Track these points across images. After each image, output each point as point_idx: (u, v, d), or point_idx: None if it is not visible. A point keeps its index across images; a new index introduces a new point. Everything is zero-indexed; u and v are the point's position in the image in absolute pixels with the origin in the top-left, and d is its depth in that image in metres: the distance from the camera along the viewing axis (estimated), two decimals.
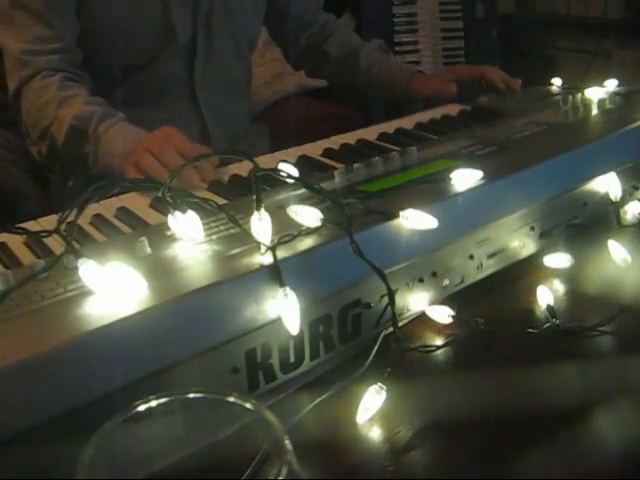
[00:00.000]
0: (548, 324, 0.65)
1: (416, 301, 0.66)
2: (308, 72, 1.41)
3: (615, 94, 0.98)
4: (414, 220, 0.61)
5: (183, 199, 0.59)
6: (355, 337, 0.62)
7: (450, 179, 0.69)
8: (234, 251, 0.56)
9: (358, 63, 1.27)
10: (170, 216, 0.58)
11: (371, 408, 0.54)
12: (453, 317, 0.65)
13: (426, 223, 0.61)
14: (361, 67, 1.26)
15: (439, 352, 0.63)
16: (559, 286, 0.73)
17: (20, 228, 0.59)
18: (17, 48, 0.99)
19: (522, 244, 0.75)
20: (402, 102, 1.24)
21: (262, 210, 0.56)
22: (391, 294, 0.58)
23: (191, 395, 0.38)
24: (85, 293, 0.50)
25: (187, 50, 1.12)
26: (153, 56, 1.09)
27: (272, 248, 0.54)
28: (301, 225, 0.58)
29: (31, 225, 0.69)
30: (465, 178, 0.69)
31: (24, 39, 0.99)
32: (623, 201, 0.83)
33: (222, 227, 0.60)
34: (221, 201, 0.71)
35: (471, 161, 0.74)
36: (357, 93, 1.37)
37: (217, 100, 1.19)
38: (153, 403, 0.38)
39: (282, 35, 1.34)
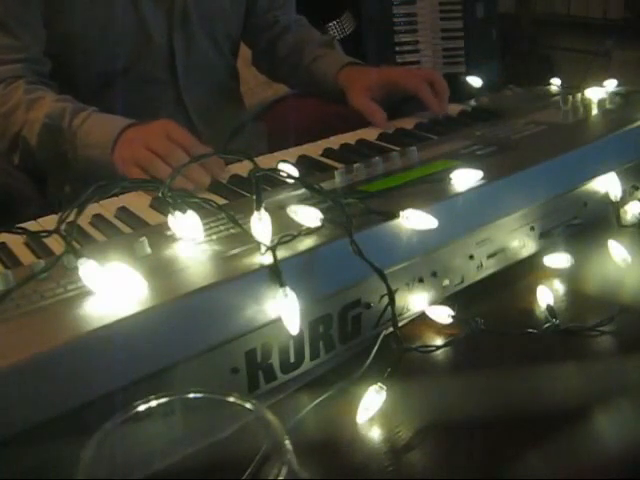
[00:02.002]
0: (548, 324, 0.65)
1: (416, 301, 0.66)
2: (267, 76, 1.36)
3: (615, 94, 0.98)
4: (414, 220, 0.61)
5: (183, 199, 0.59)
6: (355, 337, 0.62)
7: (450, 179, 0.69)
8: (234, 251, 0.56)
9: (302, 60, 1.22)
10: (170, 216, 0.58)
11: (371, 408, 0.54)
12: (453, 317, 0.65)
13: (426, 223, 0.61)
14: (304, 63, 1.21)
15: (439, 352, 0.63)
16: (559, 286, 0.73)
17: (20, 228, 0.59)
18: None
19: (522, 244, 0.75)
20: (334, 96, 1.15)
21: (262, 210, 0.56)
22: (391, 294, 0.58)
23: (191, 395, 0.38)
24: (85, 293, 0.50)
25: (166, 51, 1.11)
26: (133, 59, 1.08)
27: (272, 248, 0.54)
28: (301, 225, 0.58)
29: (31, 225, 0.68)
30: (465, 178, 0.69)
31: None
32: (623, 201, 0.83)
33: (222, 227, 0.60)
34: (221, 201, 0.71)
35: (471, 161, 0.74)
36: (307, 92, 1.30)
37: (204, 101, 1.18)
38: (153, 403, 0.38)
39: (246, 34, 1.28)
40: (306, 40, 1.25)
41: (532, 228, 0.75)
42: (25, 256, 0.62)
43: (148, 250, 0.56)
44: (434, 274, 0.67)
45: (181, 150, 0.81)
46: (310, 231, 0.58)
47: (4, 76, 0.97)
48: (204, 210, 0.60)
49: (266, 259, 0.54)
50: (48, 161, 0.94)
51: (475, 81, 1.13)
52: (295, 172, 0.71)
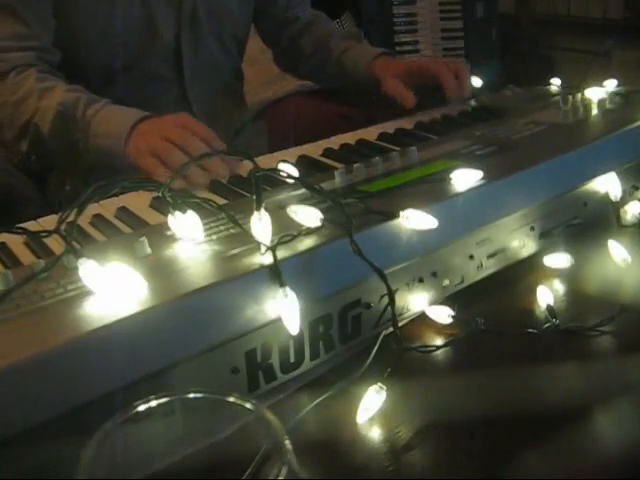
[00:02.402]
0: (548, 324, 0.65)
1: (416, 301, 0.66)
2: (291, 73, 1.38)
3: (615, 94, 0.98)
4: (414, 220, 0.61)
5: (183, 199, 0.59)
6: (355, 337, 0.62)
7: (450, 179, 0.69)
8: (234, 251, 0.56)
9: (330, 54, 1.24)
10: (170, 216, 0.58)
11: (371, 408, 0.54)
12: (453, 317, 0.65)
13: (426, 223, 0.61)
14: (332, 57, 1.23)
15: (439, 352, 0.63)
16: (559, 286, 0.73)
17: (20, 228, 0.59)
18: None
19: (522, 244, 0.75)
20: (366, 86, 1.20)
21: (262, 210, 0.56)
22: (391, 294, 0.58)
23: (191, 395, 0.38)
24: (85, 293, 0.50)
25: (173, 49, 1.11)
26: (138, 56, 1.08)
27: (272, 248, 0.54)
28: (301, 225, 0.58)
29: (31, 225, 0.68)
30: (465, 178, 0.69)
31: None
32: (623, 201, 0.83)
33: (222, 227, 0.60)
34: (221, 201, 0.71)
35: (471, 161, 0.74)
36: (332, 86, 1.33)
37: (208, 100, 1.18)
38: (153, 403, 0.38)
39: (265, 33, 1.31)
40: (330, 34, 1.28)
41: (532, 228, 0.75)
42: (25, 256, 0.62)
43: (148, 250, 0.56)
44: (434, 274, 0.67)
45: (199, 140, 0.81)
46: (310, 231, 0.58)
47: (15, 63, 0.97)
48: (204, 210, 0.60)
49: (266, 259, 0.54)
50: (59, 150, 0.94)
51: (475, 81, 1.13)
52: (295, 172, 0.71)
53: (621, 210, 0.82)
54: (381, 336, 0.61)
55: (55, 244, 0.61)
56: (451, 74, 1.07)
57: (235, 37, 1.22)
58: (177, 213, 0.58)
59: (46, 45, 1.01)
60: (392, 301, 0.58)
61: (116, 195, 0.75)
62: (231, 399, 0.38)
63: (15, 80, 0.96)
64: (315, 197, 0.63)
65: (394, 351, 0.58)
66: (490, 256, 0.72)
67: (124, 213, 0.72)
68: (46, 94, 0.93)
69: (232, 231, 0.59)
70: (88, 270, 0.50)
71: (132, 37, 1.07)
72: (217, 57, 1.19)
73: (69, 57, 1.05)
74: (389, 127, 0.99)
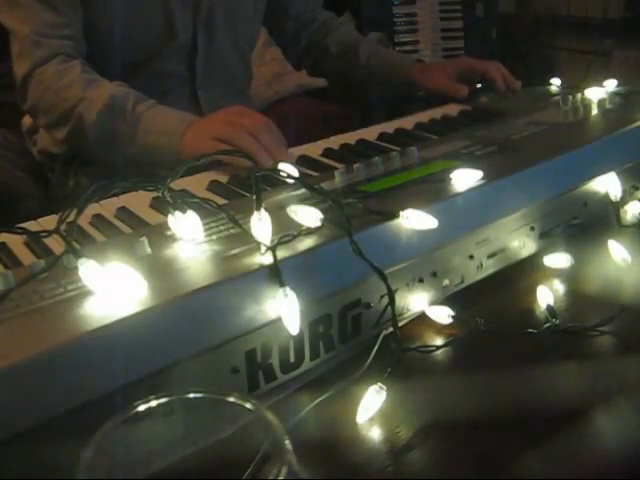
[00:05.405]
0: (548, 324, 0.65)
1: (416, 301, 0.66)
2: (309, 71, 1.41)
3: (615, 94, 0.98)
4: (414, 220, 0.61)
5: (183, 199, 0.59)
6: (355, 337, 0.62)
7: (450, 179, 0.69)
8: (234, 251, 0.56)
9: (358, 57, 1.27)
10: (170, 216, 0.58)
11: (371, 408, 0.54)
12: (453, 317, 0.65)
13: (426, 223, 0.61)
14: (361, 60, 1.27)
15: (439, 352, 0.63)
16: (559, 286, 0.73)
17: (20, 228, 0.59)
18: (27, 30, 0.98)
19: (522, 244, 0.75)
20: (403, 92, 1.26)
21: (262, 210, 0.56)
22: (391, 294, 0.58)
23: (191, 395, 0.38)
24: (85, 293, 0.50)
25: (188, 49, 1.13)
26: (153, 55, 1.09)
27: (272, 248, 0.54)
28: (301, 225, 0.58)
29: (31, 225, 0.68)
30: (465, 178, 0.69)
31: (33, 23, 0.98)
32: (623, 201, 0.83)
33: (222, 227, 0.60)
34: (221, 201, 0.71)
35: (471, 161, 0.74)
36: (358, 88, 1.37)
37: (218, 100, 1.19)
38: (153, 403, 0.38)
39: (282, 35, 1.34)
40: (358, 36, 1.34)
41: (532, 228, 0.75)
42: (25, 256, 0.62)
43: (148, 250, 0.56)
44: (434, 274, 0.67)
45: (263, 125, 0.85)
46: (310, 231, 0.58)
47: (57, 51, 0.98)
48: (204, 210, 0.60)
49: (266, 259, 0.54)
50: (99, 141, 0.95)
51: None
52: (295, 172, 0.71)
53: (621, 210, 0.82)
54: (381, 336, 0.61)
55: (55, 244, 0.61)
56: (497, 70, 1.14)
57: (248, 39, 1.24)
58: (177, 213, 0.58)
59: (78, 35, 1.02)
60: (392, 301, 0.58)
61: (116, 195, 0.75)
62: (231, 399, 0.38)
63: (60, 67, 0.97)
64: (315, 197, 0.63)
65: (394, 351, 0.58)
66: (490, 256, 0.72)
67: (124, 213, 0.72)
68: (92, 86, 0.95)
69: (232, 231, 0.59)
70: (88, 270, 0.50)
71: (151, 36, 1.08)
72: (229, 58, 1.20)
73: (89, 49, 1.06)
74: (389, 127, 0.99)
